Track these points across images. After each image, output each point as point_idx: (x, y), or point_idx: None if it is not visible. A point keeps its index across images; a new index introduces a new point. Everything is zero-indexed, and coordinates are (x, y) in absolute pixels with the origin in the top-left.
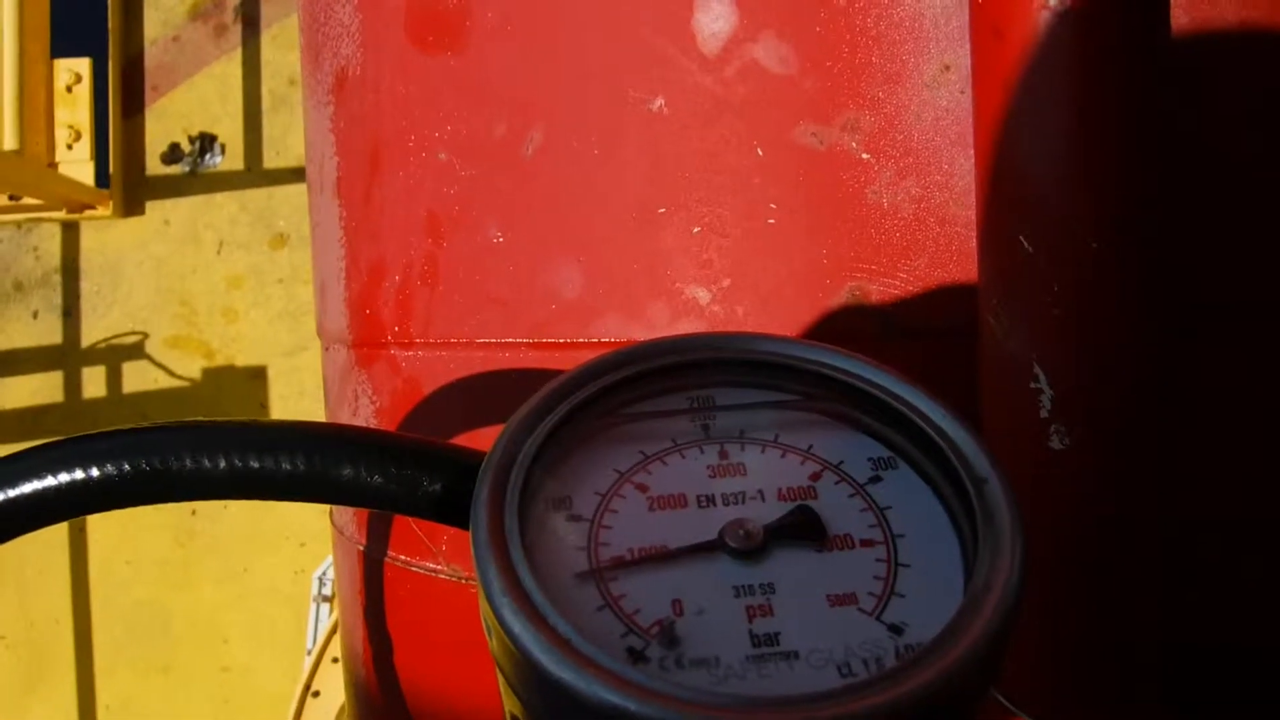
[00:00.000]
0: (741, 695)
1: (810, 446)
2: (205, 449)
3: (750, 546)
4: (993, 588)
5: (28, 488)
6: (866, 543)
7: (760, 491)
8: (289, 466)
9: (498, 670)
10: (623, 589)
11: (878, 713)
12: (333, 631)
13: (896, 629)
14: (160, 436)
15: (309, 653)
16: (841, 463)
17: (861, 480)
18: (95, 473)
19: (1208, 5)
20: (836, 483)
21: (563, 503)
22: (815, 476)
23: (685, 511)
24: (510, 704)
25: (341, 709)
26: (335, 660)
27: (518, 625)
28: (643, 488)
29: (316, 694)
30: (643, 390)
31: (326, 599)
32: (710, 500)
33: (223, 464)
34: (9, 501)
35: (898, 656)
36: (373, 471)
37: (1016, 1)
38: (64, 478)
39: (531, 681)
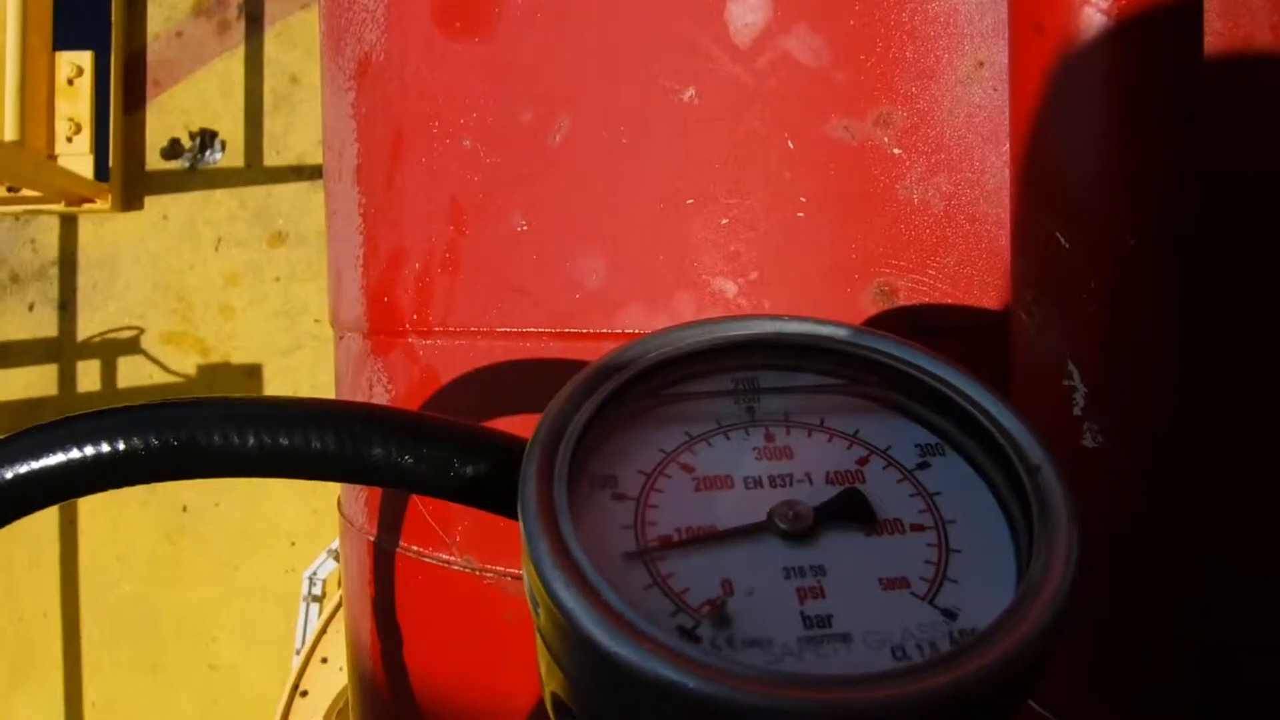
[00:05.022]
0: (800, 674)
1: (857, 431)
2: (233, 425)
3: (800, 528)
4: (1050, 575)
5: (54, 459)
6: (917, 527)
7: (808, 475)
8: (319, 445)
9: (541, 647)
10: (670, 568)
11: (940, 694)
12: (322, 631)
13: (950, 614)
14: (188, 411)
15: (298, 652)
16: (889, 448)
17: (910, 466)
18: (121, 446)
19: (1243, 11)
20: (884, 468)
21: (608, 481)
22: (863, 461)
23: (732, 492)
24: (553, 683)
25: (329, 709)
26: (324, 660)
27: (571, 599)
28: (688, 468)
29: (305, 693)
30: (687, 371)
31: (316, 598)
32: (757, 482)
33: (251, 441)
34: (33, 474)
35: (952, 641)
36: (404, 452)
37: None
38: (89, 450)
39: (582, 657)
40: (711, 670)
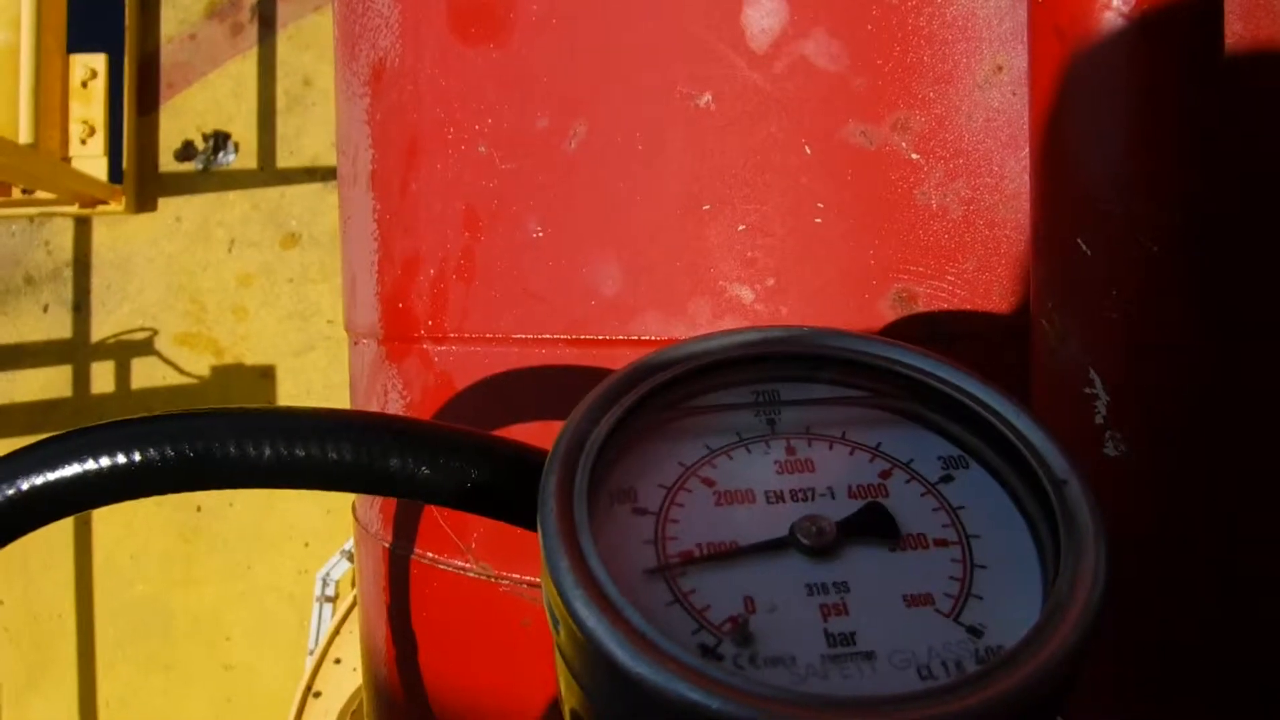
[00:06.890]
0: (825, 695)
1: (879, 444)
2: (250, 436)
3: (823, 544)
4: (1077, 591)
5: (68, 471)
6: (940, 542)
7: (830, 489)
8: (335, 456)
9: (560, 664)
10: (692, 585)
11: (967, 716)
12: (335, 632)
13: (975, 631)
14: (205, 422)
15: (311, 653)
16: (911, 461)
17: (933, 479)
18: (138, 457)
19: (1264, 14)
20: (907, 481)
21: (627, 495)
22: (885, 474)
23: (754, 507)
24: (573, 700)
25: (343, 710)
26: (337, 661)
27: (592, 619)
28: (709, 482)
29: (318, 694)
30: (706, 383)
31: (329, 599)
32: (779, 496)
33: (268, 452)
34: (48, 485)
35: (978, 660)
36: (421, 463)
37: (1080, 1)
38: (105, 462)
39: (603, 676)
40: (735, 691)
